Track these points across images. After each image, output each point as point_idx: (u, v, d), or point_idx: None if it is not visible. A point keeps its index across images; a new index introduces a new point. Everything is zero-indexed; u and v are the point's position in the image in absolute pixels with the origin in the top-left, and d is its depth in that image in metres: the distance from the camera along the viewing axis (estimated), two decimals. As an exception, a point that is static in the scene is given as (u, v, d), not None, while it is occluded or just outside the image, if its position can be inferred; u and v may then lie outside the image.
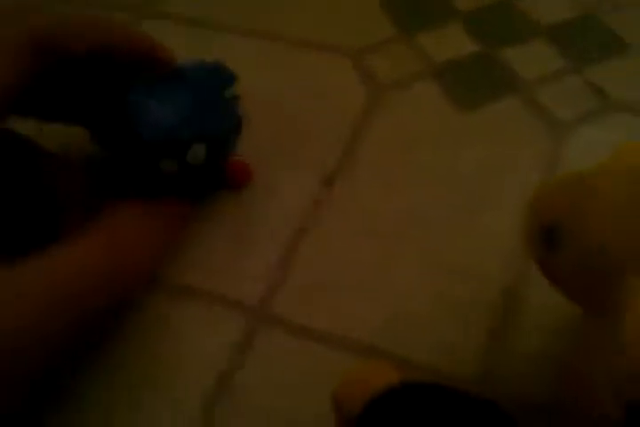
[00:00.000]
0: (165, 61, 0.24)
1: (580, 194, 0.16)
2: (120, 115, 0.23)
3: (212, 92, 0.24)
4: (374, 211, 0.27)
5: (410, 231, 0.26)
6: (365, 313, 0.24)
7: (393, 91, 0.31)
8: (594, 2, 0.35)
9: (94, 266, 0.21)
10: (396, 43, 0.33)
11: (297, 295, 0.25)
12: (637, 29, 0.33)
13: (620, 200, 0.15)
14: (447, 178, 0.28)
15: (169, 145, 0.23)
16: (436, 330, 0.24)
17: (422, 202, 0.27)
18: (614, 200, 0.15)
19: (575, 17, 0.34)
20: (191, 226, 0.27)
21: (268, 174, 0.28)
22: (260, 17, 0.35)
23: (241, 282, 0.25)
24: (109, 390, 0.23)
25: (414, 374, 0.22)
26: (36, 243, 0.20)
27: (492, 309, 0.24)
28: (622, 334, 0.14)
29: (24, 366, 0.19)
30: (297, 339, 0.24)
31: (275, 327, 0.24)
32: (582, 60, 0.32)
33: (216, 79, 0.25)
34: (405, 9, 0.35)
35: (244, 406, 0.22)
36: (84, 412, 0.23)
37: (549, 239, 0.17)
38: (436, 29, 0.34)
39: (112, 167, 0.25)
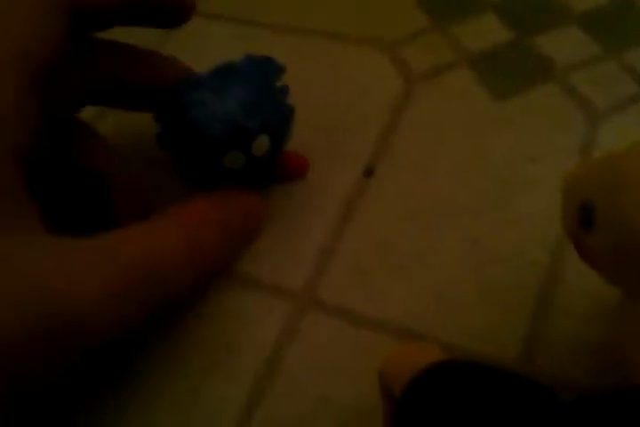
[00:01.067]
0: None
1: (612, 173, 0.16)
2: (177, 119, 0.22)
3: (265, 83, 0.24)
4: (413, 198, 0.27)
5: (448, 217, 0.27)
6: (408, 297, 0.25)
7: (428, 80, 0.32)
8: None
9: (172, 244, 0.20)
10: (429, 33, 0.34)
11: (341, 280, 0.26)
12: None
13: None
14: (482, 165, 0.28)
15: (237, 137, 0.22)
16: (477, 313, 0.24)
17: (459, 189, 0.28)
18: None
19: (610, 2, 0.34)
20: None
21: (309, 164, 0.29)
22: (292, 13, 0.35)
23: (286, 267, 0.26)
24: (165, 376, 0.24)
25: (456, 356, 0.23)
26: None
27: (532, 291, 0.24)
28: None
29: (91, 335, 0.17)
30: (342, 322, 0.24)
31: (320, 311, 0.25)
32: (619, 46, 0.32)
33: (267, 70, 0.24)
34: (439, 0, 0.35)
35: (292, 388, 0.23)
36: (139, 394, 0.24)
37: (585, 220, 0.17)
38: (469, 19, 0.34)
39: (177, 167, 0.25)
